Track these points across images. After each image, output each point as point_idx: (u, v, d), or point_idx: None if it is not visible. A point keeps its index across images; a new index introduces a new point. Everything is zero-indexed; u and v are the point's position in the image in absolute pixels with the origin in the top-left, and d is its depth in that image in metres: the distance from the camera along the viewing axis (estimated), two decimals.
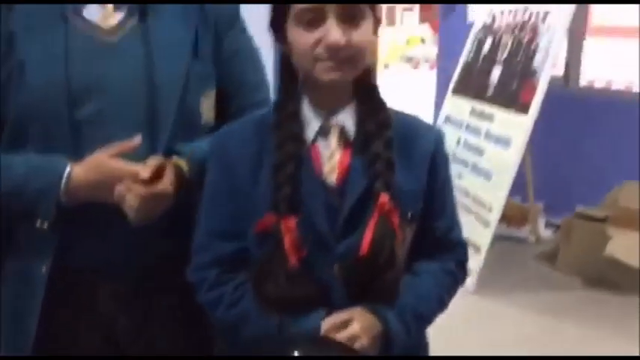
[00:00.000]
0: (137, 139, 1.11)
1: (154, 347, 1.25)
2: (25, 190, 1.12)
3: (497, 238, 3.88)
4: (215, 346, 1.27)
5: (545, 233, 4.13)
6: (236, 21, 1.30)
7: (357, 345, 0.98)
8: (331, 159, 1.04)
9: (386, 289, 1.03)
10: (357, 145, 1.04)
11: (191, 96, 1.20)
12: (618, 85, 4.96)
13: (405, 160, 1.05)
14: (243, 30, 1.32)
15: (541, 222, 4.19)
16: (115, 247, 1.18)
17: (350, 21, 0.97)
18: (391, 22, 15.74)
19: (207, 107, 1.24)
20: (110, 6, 1.17)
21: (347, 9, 0.96)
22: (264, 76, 1.35)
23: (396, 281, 1.04)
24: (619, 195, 3.76)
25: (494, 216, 3.35)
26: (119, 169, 1.09)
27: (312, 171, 1.02)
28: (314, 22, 0.96)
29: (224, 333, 1.15)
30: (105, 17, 1.17)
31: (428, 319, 1.12)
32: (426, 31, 15.54)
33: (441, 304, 1.13)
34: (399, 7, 16.88)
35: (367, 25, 0.99)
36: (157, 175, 1.10)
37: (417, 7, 17.42)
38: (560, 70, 4.30)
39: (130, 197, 1.08)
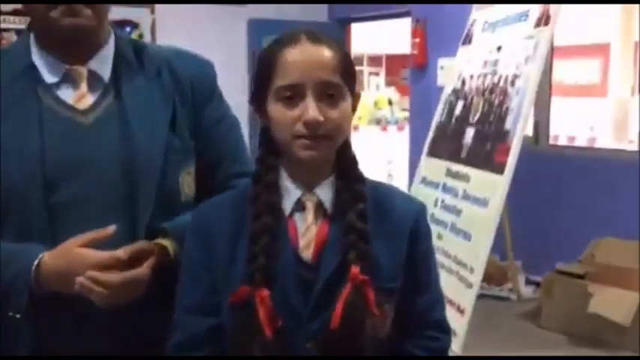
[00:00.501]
0: (111, 228, 1.10)
1: None
2: None
3: (479, 297, 3.86)
4: None
5: (526, 291, 4.14)
6: (214, 92, 1.31)
7: None
8: (307, 233, 1.03)
9: None
10: (334, 220, 1.04)
11: (171, 173, 1.20)
12: (579, 141, 5.13)
13: (383, 233, 1.05)
14: (221, 100, 1.33)
15: (521, 280, 4.20)
16: (92, 335, 1.15)
17: (328, 99, 0.99)
18: (359, 85, 16.12)
19: (187, 183, 1.24)
20: (84, 87, 1.17)
21: (325, 87, 0.98)
22: (245, 147, 1.36)
23: (370, 352, 1.00)
24: (595, 251, 3.81)
25: (477, 277, 3.34)
26: (87, 257, 1.07)
27: (287, 244, 1.02)
28: (293, 99, 0.98)
29: None
30: (79, 98, 1.17)
31: None
32: (392, 93, 15.96)
33: None
34: (365, 71, 17.34)
35: (345, 102, 1.01)
36: (136, 258, 1.09)
37: (382, 71, 17.94)
38: (529, 130, 4.43)
39: (96, 287, 1.05)
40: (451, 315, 3.29)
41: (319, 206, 1.04)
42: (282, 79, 0.98)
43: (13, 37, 4.23)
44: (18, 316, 1.10)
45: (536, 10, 3.53)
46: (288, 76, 0.98)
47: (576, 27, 8.82)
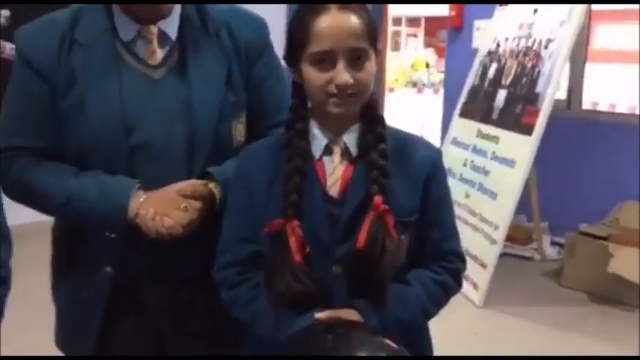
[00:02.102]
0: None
1: (193, 343, 1.40)
2: (97, 210, 1.28)
3: (504, 256, 4.01)
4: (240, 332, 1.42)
5: (550, 251, 4.24)
6: (265, 49, 1.45)
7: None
8: (334, 173, 1.18)
9: (381, 286, 1.13)
10: (359, 162, 1.18)
11: (225, 123, 1.36)
12: (620, 108, 5.10)
13: (401, 174, 1.18)
14: (271, 56, 1.47)
15: (546, 241, 4.31)
16: (159, 254, 1.33)
17: (356, 62, 1.12)
18: (396, 47, 15.99)
19: (239, 131, 1.40)
20: (155, 44, 1.33)
21: (353, 52, 1.11)
22: (288, 98, 1.50)
23: (389, 278, 1.14)
24: (619, 214, 3.89)
25: (501, 234, 3.48)
26: (173, 186, 1.29)
27: (316, 183, 1.16)
28: (325, 63, 1.12)
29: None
30: (151, 54, 1.33)
31: (410, 326, 1.19)
32: (430, 55, 15.79)
33: (426, 314, 1.22)
34: (403, 32, 17.16)
35: (370, 63, 1.15)
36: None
37: (421, 32, 17.72)
38: (563, 94, 4.47)
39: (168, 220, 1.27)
40: (474, 269, 3.48)
41: (345, 150, 1.18)
42: (316, 46, 1.10)
43: None
44: (113, 235, 1.31)
45: None
46: (321, 43, 1.10)
47: None
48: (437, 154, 1.25)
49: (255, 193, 1.19)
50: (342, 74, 1.10)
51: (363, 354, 0.93)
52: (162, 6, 1.32)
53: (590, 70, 4.69)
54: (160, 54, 1.34)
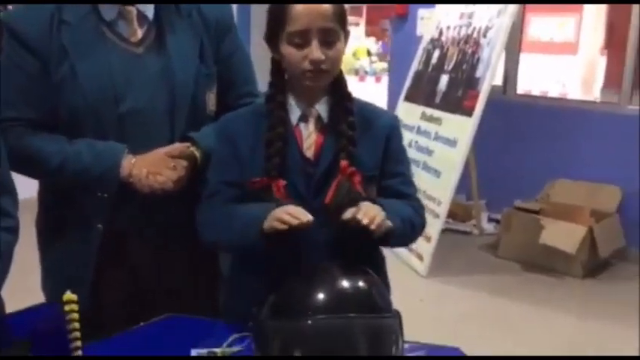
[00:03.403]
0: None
1: (172, 286, 1.55)
2: (91, 171, 1.41)
3: (446, 232, 4.27)
4: (219, 283, 1.58)
5: (488, 227, 4.54)
6: (231, 26, 1.62)
7: (386, 225, 1.23)
8: (309, 138, 1.35)
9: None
10: (329, 127, 1.36)
11: (200, 92, 1.52)
12: (551, 95, 5.48)
13: (366, 137, 1.37)
14: (236, 33, 1.63)
15: (484, 217, 4.61)
16: (145, 210, 1.48)
17: (327, 41, 1.29)
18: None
19: (211, 99, 1.57)
20: (135, 24, 1.47)
21: (325, 32, 1.28)
22: (253, 71, 1.68)
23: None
24: (551, 191, 4.23)
25: (443, 208, 3.74)
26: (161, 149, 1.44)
27: (294, 147, 1.34)
28: (301, 42, 1.28)
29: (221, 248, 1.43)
30: (132, 33, 1.47)
31: (404, 222, 1.33)
32: (371, 44, 16.07)
33: (411, 222, 1.36)
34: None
35: (340, 43, 1.32)
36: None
37: (363, 21, 17.98)
38: (499, 81, 4.77)
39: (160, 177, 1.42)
40: (419, 242, 3.72)
41: (318, 118, 1.36)
42: (293, 27, 1.26)
43: None
44: (105, 195, 1.44)
45: None
46: (297, 24, 1.25)
47: None
48: (394, 119, 1.46)
49: (239, 149, 1.34)
50: (316, 51, 1.26)
51: (343, 279, 1.10)
52: None
53: (525, 58, 5.01)
54: (139, 32, 1.47)
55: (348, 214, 1.22)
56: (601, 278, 3.79)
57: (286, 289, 1.13)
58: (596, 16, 8.87)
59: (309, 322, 1.04)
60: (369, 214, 1.20)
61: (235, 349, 1.18)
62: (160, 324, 1.37)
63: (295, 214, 1.19)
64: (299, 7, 1.26)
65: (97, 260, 1.49)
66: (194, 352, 1.19)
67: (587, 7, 9.19)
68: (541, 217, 3.86)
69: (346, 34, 1.34)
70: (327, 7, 1.27)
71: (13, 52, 1.43)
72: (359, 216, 1.19)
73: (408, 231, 1.36)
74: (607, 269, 3.89)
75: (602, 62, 8.74)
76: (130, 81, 1.44)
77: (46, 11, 1.42)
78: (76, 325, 0.98)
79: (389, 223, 1.25)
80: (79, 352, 0.99)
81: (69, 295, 0.97)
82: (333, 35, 1.29)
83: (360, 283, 1.10)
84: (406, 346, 1.16)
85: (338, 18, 1.29)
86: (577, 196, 4.04)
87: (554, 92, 8.23)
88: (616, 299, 3.46)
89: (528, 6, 5.06)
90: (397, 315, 1.13)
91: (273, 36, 1.32)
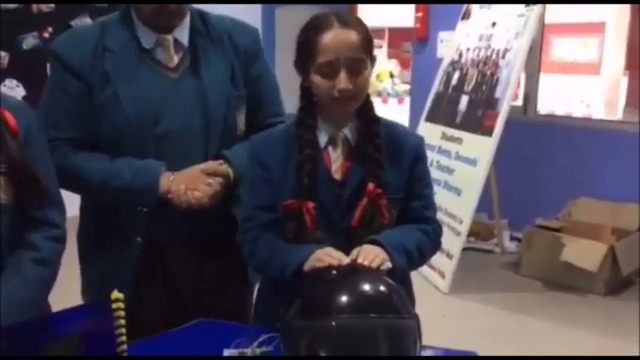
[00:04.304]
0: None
1: (205, 294, 1.65)
2: (132, 187, 1.52)
3: (468, 250, 4.32)
4: (249, 291, 1.70)
5: (510, 245, 4.58)
6: (259, 51, 1.73)
7: (385, 266, 1.31)
8: (337, 161, 1.43)
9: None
10: (356, 150, 1.43)
11: (231, 114, 1.63)
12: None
13: (392, 159, 1.43)
14: (263, 59, 1.75)
15: (506, 235, 4.64)
16: (182, 225, 1.59)
17: (355, 70, 1.36)
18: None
19: (241, 120, 1.68)
20: (172, 50, 1.59)
21: (353, 62, 1.35)
22: (279, 93, 1.79)
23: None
24: (572, 209, 4.26)
25: (464, 227, 3.80)
26: (198, 166, 1.56)
27: (323, 169, 1.41)
28: (330, 72, 1.35)
29: (262, 273, 1.52)
30: (169, 59, 1.59)
31: (411, 254, 1.42)
32: (393, 66, 16.17)
33: (420, 250, 1.44)
34: None
35: (367, 70, 1.38)
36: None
37: (385, 44, 18.15)
38: (520, 101, 4.84)
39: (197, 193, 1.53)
40: (441, 260, 3.78)
41: (345, 141, 1.43)
42: (322, 58, 1.32)
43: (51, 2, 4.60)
44: (145, 210, 1.55)
45: None
46: (326, 55, 1.32)
47: (577, 5, 9.09)
48: (420, 141, 1.51)
49: (271, 171, 1.43)
50: (344, 82, 1.33)
51: (365, 284, 1.18)
52: (175, 17, 1.57)
53: (548, 79, 5.08)
54: (176, 59, 1.59)
55: (352, 254, 1.31)
56: (623, 296, 3.80)
57: (312, 291, 1.22)
58: (616, 36, 8.88)
59: (334, 322, 1.12)
60: (369, 257, 1.29)
61: (265, 349, 1.26)
62: (195, 327, 1.46)
63: (335, 255, 1.29)
64: (327, 39, 1.33)
65: (136, 271, 1.59)
66: (226, 352, 1.28)
67: (608, 27, 9.21)
68: (562, 235, 3.90)
69: (372, 59, 1.40)
70: (354, 37, 1.34)
71: (60, 76, 1.56)
72: (359, 259, 1.28)
73: (415, 259, 1.43)
74: (629, 287, 3.89)
75: (624, 83, 8.73)
76: (167, 104, 1.56)
77: (90, 39, 1.55)
78: (122, 322, 1.07)
79: (388, 265, 1.32)
80: (125, 348, 1.09)
81: (116, 294, 1.07)
82: (360, 64, 1.35)
83: (381, 287, 1.18)
84: (424, 350, 1.23)
85: (365, 47, 1.36)
86: (599, 214, 4.07)
87: (578, 113, 8.24)
88: (637, 317, 3.46)
89: (551, 26, 5.13)
90: (416, 317, 1.21)
91: (302, 64, 1.39)
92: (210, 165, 1.56)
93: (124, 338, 1.08)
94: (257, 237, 1.44)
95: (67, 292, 1.82)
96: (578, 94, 9.57)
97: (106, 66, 1.54)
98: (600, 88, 9.20)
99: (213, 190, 1.53)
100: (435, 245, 1.52)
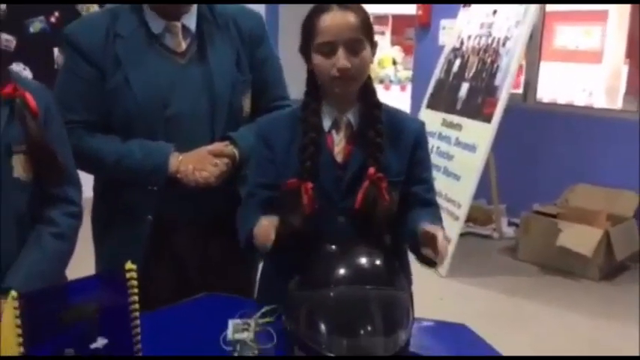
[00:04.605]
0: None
1: (212, 270, 1.72)
2: (143, 167, 1.60)
3: (466, 235, 4.41)
4: (254, 268, 1.76)
5: (508, 231, 4.66)
6: (264, 36, 1.79)
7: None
8: (340, 144, 1.48)
9: (377, 230, 1.44)
10: (358, 134, 1.48)
11: (237, 97, 1.70)
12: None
13: (394, 144, 1.48)
14: (268, 43, 1.81)
15: (504, 221, 4.72)
16: (190, 203, 1.66)
17: (353, 50, 1.41)
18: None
19: (247, 103, 1.75)
20: (180, 36, 1.65)
21: (350, 42, 1.40)
22: (283, 77, 1.85)
23: (382, 225, 1.45)
24: (570, 196, 4.33)
25: (463, 211, 3.87)
26: (206, 147, 1.63)
27: (326, 152, 1.47)
28: (329, 52, 1.40)
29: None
30: (177, 45, 1.66)
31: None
32: (397, 53, 16.17)
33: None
34: None
35: (365, 51, 1.43)
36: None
37: (388, 30, 18.13)
38: (520, 89, 4.90)
39: (204, 172, 1.60)
40: None
41: (348, 125, 1.48)
42: (321, 38, 1.37)
43: None
44: (155, 188, 1.62)
45: None
46: (324, 36, 1.37)
47: None
48: (421, 125, 1.56)
49: (275, 152, 1.49)
50: (342, 59, 1.38)
51: (362, 258, 1.26)
52: (184, 5, 1.63)
53: (551, 67, 5.13)
54: (183, 44, 1.66)
55: (435, 232, 1.29)
56: (617, 281, 3.89)
57: (312, 264, 1.29)
58: (618, 25, 8.89)
59: (332, 292, 1.20)
60: (443, 248, 1.27)
61: (267, 319, 1.34)
62: (201, 301, 1.54)
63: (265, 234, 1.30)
64: (327, 20, 1.39)
65: (146, 249, 1.66)
66: (230, 323, 1.36)
67: (610, 16, 9.21)
68: (559, 221, 3.98)
69: (373, 44, 1.45)
70: (352, 19, 1.39)
71: (73, 62, 1.63)
72: (440, 247, 1.26)
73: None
74: (623, 272, 3.98)
75: (625, 71, 8.76)
76: (175, 88, 1.63)
77: (102, 26, 1.62)
78: (135, 290, 1.15)
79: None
80: (137, 315, 1.17)
81: (130, 265, 1.15)
82: (358, 45, 1.40)
83: (377, 261, 1.26)
84: (416, 322, 1.31)
85: (363, 29, 1.41)
86: (595, 200, 4.14)
87: (580, 101, 8.26)
88: (631, 301, 3.55)
89: (554, 14, 5.18)
90: (408, 291, 1.28)
91: (305, 47, 1.45)
92: (217, 146, 1.64)
93: (136, 306, 1.16)
94: (249, 211, 1.49)
95: (81, 270, 1.91)
96: (580, 82, 9.60)
97: (117, 51, 1.61)
98: (602, 76, 9.24)
99: (219, 169, 1.61)
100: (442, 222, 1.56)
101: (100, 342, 1.13)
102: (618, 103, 8.26)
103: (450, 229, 3.87)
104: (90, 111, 1.63)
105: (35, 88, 1.40)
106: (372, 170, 1.42)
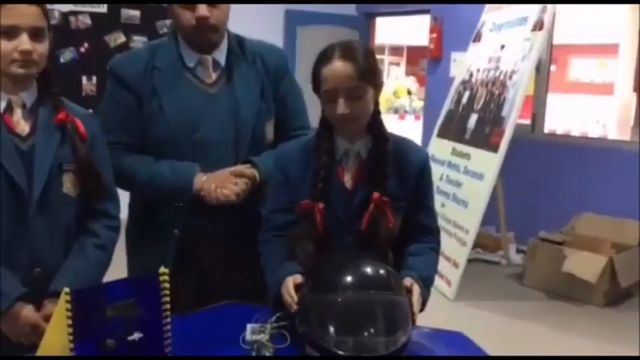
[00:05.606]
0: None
1: (233, 281, 1.86)
2: (171, 185, 1.78)
3: (475, 261, 4.53)
4: None
5: (516, 258, 4.77)
6: (287, 71, 1.98)
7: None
8: (349, 171, 1.64)
9: (381, 250, 1.58)
10: (366, 164, 1.63)
11: (260, 125, 1.88)
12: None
13: (398, 173, 1.63)
14: (291, 77, 2.00)
15: (512, 248, 4.83)
16: (213, 219, 1.83)
17: (353, 97, 1.55)
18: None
19: (269, 131, 1.93)
20: (210, 69, 1.84)
21: (350, 90, 1.53)
22: (305, 108, 2.03)
23: (386, 245, 1.60)
24: (576, 224, 4.45)
25: (470, 237, 4.00)
26: (228, 169, 1.80)
27: (337, 178, 1.62)
28: (332, 99, 1.55)
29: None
30: (208, 76, 1.85)
31: (432, 280, 1.65)
32: (411, 83, 16.42)
33: (435, 270, 1.69)
34: (386, 60, 17.87)
35: (366, 95, 1.56)
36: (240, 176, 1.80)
37: (403, 61, 18.44)
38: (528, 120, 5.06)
39: (225, 191, 1.77)
40: (448, 268, 4.00)
41: (357, 155, 1.63)
42: (324, 86, 1.52)
43: (88, 19, 4.94)
44: (181, 205, 1.80)
45: (533, 16, 4.16)
46: (327, 84, 1.51)
47: (594, 27, 9.30)
48: (425, 156, 1.71)
49: (291, 180, 1.65)
50: (341, 107, 1.53)
51: (367, 266, 1.42)
52: (212, 33, 1.80)
53: (565, 99, 5.30)
54: (214, 76, 1.85)
55: (411, 289, 1.49)
56: (620, 307, 3.98)
57: (322, 271, 1.46)
58: (630, 57, 9.05)
59: (339, 297, 1.36)
60: (417, 305, 1.47)
61: (281, 323, 1.50)
62: (222, 308, 1.70)
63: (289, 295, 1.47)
64: (328, 71, 1.53)
65: (173, 262, 1.81)
66: (249, 326, 1.51)
67: (622, 48, 9.38)
68: (564, 248, 4.09)
69: (377, 85, 1.59)
70: (351, 70, 1.51)
71: (115, 90, 1.83)
72: (414, 308, 1.45)
73: (433, 281, 1.65)
74: (627, 299, 4.07)
75: (634, 103, 8.89)
76: (204, 115, 1.81)
77: (142, 59, 1.83)
78: (167, 292, 1.32)
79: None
80: (168, 314, 1.33)
81: (163, 269, 1.32)
82: (358, 92, 1.53)
83: (380, 270, 1.42)
84: (415, 329, 1.45)
85: (363, 76, 1.52)
86: (600, 229, 4.25)
87: (594, 133, 8.39)
88: (634, 327, 3.63)
89: (567, 47, 5.35)
90: (409, 298, 1.44)
91: (315, 91, 1.60)
92: (239, 168, 1.82)
93: (167, 306, 1.32)
94: (268, 240, 1.67)
95: (114, 277, 2.07)
96: (592, 114, 9.74)
97: (154, 81, 1.81)
98: (613, 108, 9.38)
99: (239, 188, 1.78)
100: (438, 255, 1.73)
101: (136, 335, 1.30)
102: (628, 134, 8.38)
103: (458, 255, 4.02)
104: (128, 134, 1.82)
105: (83, 114, 1.59)
106: (376, 195, 1.56)
